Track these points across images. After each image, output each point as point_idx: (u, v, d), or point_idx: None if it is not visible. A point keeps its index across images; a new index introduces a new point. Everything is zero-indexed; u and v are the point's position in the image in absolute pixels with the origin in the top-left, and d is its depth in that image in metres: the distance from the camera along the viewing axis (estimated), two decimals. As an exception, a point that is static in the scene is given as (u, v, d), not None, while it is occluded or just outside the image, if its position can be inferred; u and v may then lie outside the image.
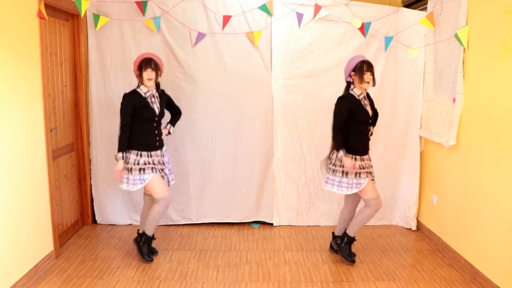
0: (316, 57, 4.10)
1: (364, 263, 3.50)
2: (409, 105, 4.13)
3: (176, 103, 3.71)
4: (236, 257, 3.62)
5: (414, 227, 4.21)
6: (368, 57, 4.07)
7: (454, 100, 3.44)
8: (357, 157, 3.29)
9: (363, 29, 4.04)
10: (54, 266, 3.40)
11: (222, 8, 4.02)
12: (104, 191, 4.25)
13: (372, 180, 3.38)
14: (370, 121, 3.35)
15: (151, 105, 3.34)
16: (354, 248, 3.75)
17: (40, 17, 3.22)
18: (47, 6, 3.35)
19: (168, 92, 3.70)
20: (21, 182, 3.02)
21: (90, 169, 4.22)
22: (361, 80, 3.23)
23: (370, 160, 3.41)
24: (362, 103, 3.29)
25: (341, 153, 3.24)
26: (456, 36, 3.37)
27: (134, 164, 3.29)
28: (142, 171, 3.29)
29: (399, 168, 4.25)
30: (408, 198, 4.23)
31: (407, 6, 4.35)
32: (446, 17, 3.61)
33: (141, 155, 3.32)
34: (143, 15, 3.98)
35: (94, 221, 4.34)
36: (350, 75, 3.32)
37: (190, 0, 3.98)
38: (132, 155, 3.31)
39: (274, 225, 4.34)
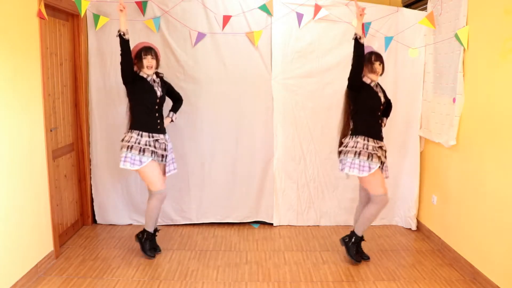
0: (316, 57, 4.10)
1: (364, 263, 3.50)
2: (409, 105, 4.13)
3: None
4: (236, 257, 3.62)
5: (414, 227, 4.21)
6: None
7: (454, 100, 3.44)
8: (370, 138, 3.27)
9: (363, 29, 4.03)
10: (54, 266, 3.40)
11: (222, 8, 4.02)
12: (104, 191, 4.25)
13: (382, 172, 3.37)
14: (381, 107, 3.35)
15: (154, 88, 3.37)
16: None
17: (40, 17, 3.22)
18: (47, 6, 3.35)
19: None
20: (21, 182, 3.02)
21: (90, 169, 4.22)
22: (371, 70, 3.28)
23: (385, 150, 3.40)
24: (374, 89, 3.33)
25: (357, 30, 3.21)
26: (456, 36, 3.37)
27: (135, 143, 3.31)
28: (141, 152, 3.30)
29: (399, 168, 4.25)
30: (408, 198, 4.23)
31: (407, 6, 4.35)
32: (446, 17, 3.61)
33: (142, 135, 3.33)
34: (143, 15, 3.99)
35: (94, 221, 4.34)
36: None
37: (190, 0, 3.98)
38: (134, 134, 3.34)
39: (274, 225, 4.34)
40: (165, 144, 3.46)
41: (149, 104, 3.37)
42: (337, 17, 4.03)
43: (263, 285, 3.15)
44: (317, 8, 3.98)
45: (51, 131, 3.52)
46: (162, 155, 3.45)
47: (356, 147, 3.26)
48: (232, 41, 4.07)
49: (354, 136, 3.31)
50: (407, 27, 4.00)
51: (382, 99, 3.36)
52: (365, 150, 3.24)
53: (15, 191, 2.95)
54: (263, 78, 4.13)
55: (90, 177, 4.24)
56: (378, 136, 3.34)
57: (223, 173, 4.26)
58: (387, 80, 4.12)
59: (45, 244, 3.38)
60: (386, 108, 3.52)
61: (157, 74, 3.46)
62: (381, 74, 3.35)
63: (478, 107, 3.19)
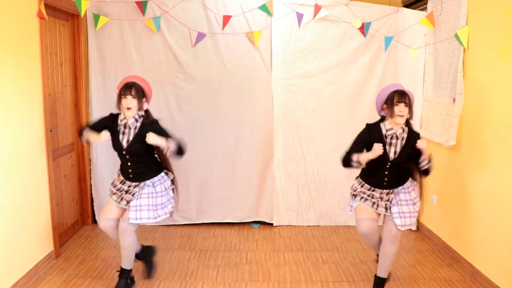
0: (316, 57, 4.11)
1: (364, 263, 3.50)
2: (409, 105, 4.12)
3: (176, 103, 3.69)
4: (236, 257, 3.62)
5: (414, 227, 4.21)
6: (368, 57, 4.11)
7: (454, 100, 3.44)
8: (365, 184, 2.96)
9: (363, 29, 4.04)
10: (54, 266, 3.40)
11: (222, 8, 4.02)
12: (104, 191, 4.24)
13: (380, 213, 2.92)
14: (389, 163, 2.82)
15: (120, 136, 2.89)
16: (355, 248, 3.79)
17: (40, 17, 3.22)
18: (47, 6, 3.35)
19: (168, 92, 3.66)
20: (21, 182, 3.02)
21: (90, 169, 4.22)
22: (392, 113, 2.75)
23: (391, 194, 2.90)
24: (387, 141, 2.82)
25: (355, 157, 2.81)
26: (456, 36, 3.37)
27: (111, 184, 3.08)
28: (111, 193, 3.01)
29: (399, 168, 4.24)
30: (408, 198, 4.22)
31: (407, 6, 4.35)
32: (446, 17, 3.61)
33: (119, 176, 3.04)
34: (143, 15, 3.98)
35: (94, 221, 4.33)
36: (382, 108, 2.87)
37: (190, 0, 3.98)
38: (116, 175, 3.11)
39: (274, 225, 4.34)
40: (134, 190, 2.92)
41: (119, 154, 2.95)
42: (337, 17, 4.03)
43: (263, 285, 3.15)
44: (317, 8, 3.98)
45: (51, 131, 3.52)
46: (127, 201, 2.91)
47: (351, 188, 3.07)
48: (232, 41, 4.07)
49: (355, 180, 3.09)
50: (407, 27, 4.00)
51: (392, 155, 2.81)
52: (353, 191, 3.02)
53: (15, 191, 2.95)
54: (263, 78, 4.13)
55: (90, 177, 4.24)
56: (378, 185, 2.91)
57: (223, 173, 4.26)
58: (387, 80, 4.12)
59: (45, 244, 3.37)
60: (416, 163, 2.84)
61: (146, 117, 2.92)
62: (410, 117, 2.80)
63: (478, 107, 3.19)
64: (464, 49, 3.34)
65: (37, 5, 3.19)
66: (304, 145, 4.23)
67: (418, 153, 2.77)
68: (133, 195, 2.90)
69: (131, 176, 2.95)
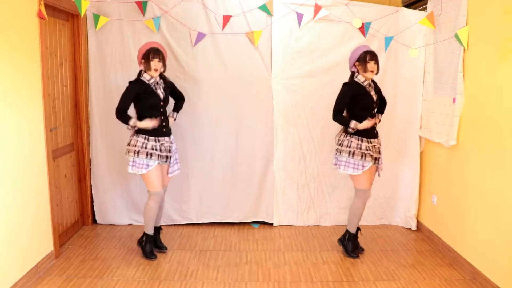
0: (316, 57, 4.11)
1: (364, 263, 3.50)
2: (409, 105, 4.13)
3: None
4: (236, 257, 3.62)
5: (414, 227, 4.21)
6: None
7: (454, 100, 3.44)
8: (364, 139, 3.39)
9: (363, 29, 4.04)
10: (54, 266, 3.40)
11: (222, 8, 4.02)
12: (104, 191, 4.25)
13: (377, 168, 3.53)
14: (375, 105, 3.45)
15: (156, 90, 3.37)
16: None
17: (40, 17, 3.22)
18: (47, 6, 3.35)
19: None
20: (21, 182, 3.02)
21: (90, 169, 4.22)
22: (365, 69, 3.35)
23: (380, 145, 3.52)
24: (367, 89, 3.40)
25: (353, 123, 3.34)
26: (456, 36, 3.37)
27: (142, 147, 3.33)
28: (149, 156, 3.33)
29: (399, 168, 4.25)
30: (408, 198, 4.23)
31: (407, 6, 4.35)
32: (446, 17, 3.61)
33: (148, 139, 3.36)
34: (143, 15, 3.98)
35: (94, 221, 4.34)
36: (354, 65, 3.45)
37: (190, 0, 3.98)
38: (140, 138, 3.35)
39: (274, 225, 4.34)
40: (169, 146, 3.47)
41: (153, 107, 3.37)
42: (337, 17, 4.03)
43: (263, 285, 3.15)
44: (317, 8, 3.98)
45: (51, 131, 3.52)
46: (167, 156, 3.45)
47: (350, 146, 3.40)
48: (232, 41, 4.07)
49: (349, 135, 3.42)
50: (407, 27, 4.00)
51: (375, 98, 3.44)
52: (359, 150, 3.37)
53: (15, 191, 2.95)
54: (263, 78, 4.13)
55: (90, 177, 4.24)
56: (372, 135, 3.44)
57: (223, 173, 4.26)
58: (387, 80, 4.13)
59: (45, 244, 3.38)
60: (381, 105, 3.59)
61: (160, 74, 3.45)
62: (376, 73, 3.42)
63: (478, 107, 3.19)
64: (464, 49, 3.34)
65: (37, 5, 3.19)
66: (304, 145, 4.23)
67: (381, 96, 3.59)
68: (169, 151, 3.46)
69: (164, 130, 3.43)
